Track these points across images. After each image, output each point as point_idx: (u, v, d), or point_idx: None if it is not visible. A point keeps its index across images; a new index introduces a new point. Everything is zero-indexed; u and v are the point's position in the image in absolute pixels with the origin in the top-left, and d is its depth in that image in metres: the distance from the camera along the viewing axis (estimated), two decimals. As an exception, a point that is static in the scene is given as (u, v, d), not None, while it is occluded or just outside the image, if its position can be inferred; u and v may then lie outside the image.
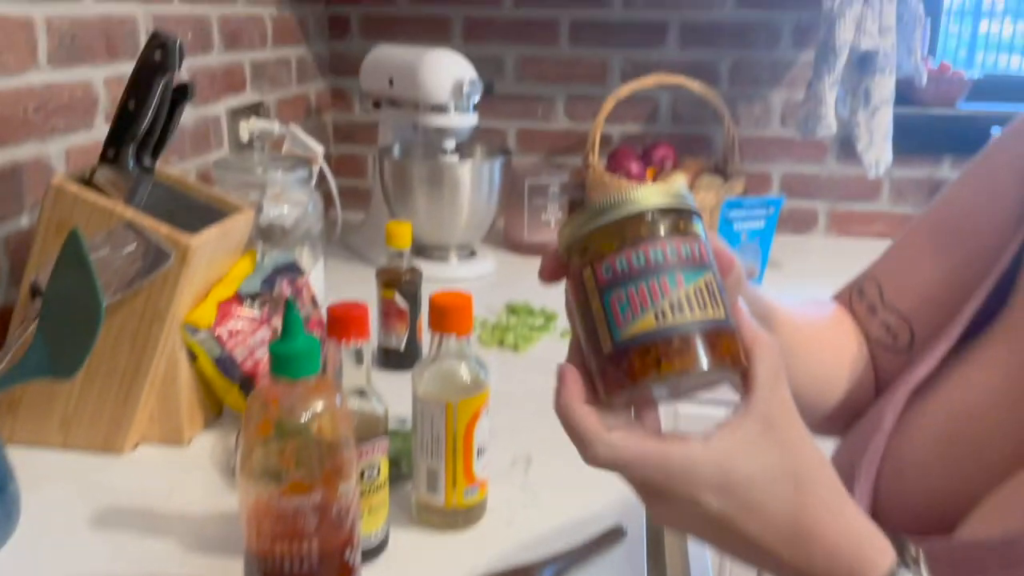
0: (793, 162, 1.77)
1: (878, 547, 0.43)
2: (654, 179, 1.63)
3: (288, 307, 0.58)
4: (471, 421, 0.74)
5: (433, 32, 1.80)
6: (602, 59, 1.77)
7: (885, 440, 0.57)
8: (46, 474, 0.84)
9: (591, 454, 0.43)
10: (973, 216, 0.64)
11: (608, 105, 1.62)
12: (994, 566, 0.44)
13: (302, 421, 0.60)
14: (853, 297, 0.70)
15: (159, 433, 0.90)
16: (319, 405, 0.60)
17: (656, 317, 0.42)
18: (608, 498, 0.81)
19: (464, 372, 0.74)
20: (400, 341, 1.09)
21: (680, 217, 0.45)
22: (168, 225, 0.82)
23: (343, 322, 0.68)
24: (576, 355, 0.46)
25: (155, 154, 0.86)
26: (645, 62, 1.75)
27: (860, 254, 1.67)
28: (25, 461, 0.81)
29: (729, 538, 0.44)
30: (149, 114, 0.80)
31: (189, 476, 0.85)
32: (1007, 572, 0.44)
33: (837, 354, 0.67)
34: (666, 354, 0.42)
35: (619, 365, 0.43)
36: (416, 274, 1.09)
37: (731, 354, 0.43)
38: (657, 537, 0.90)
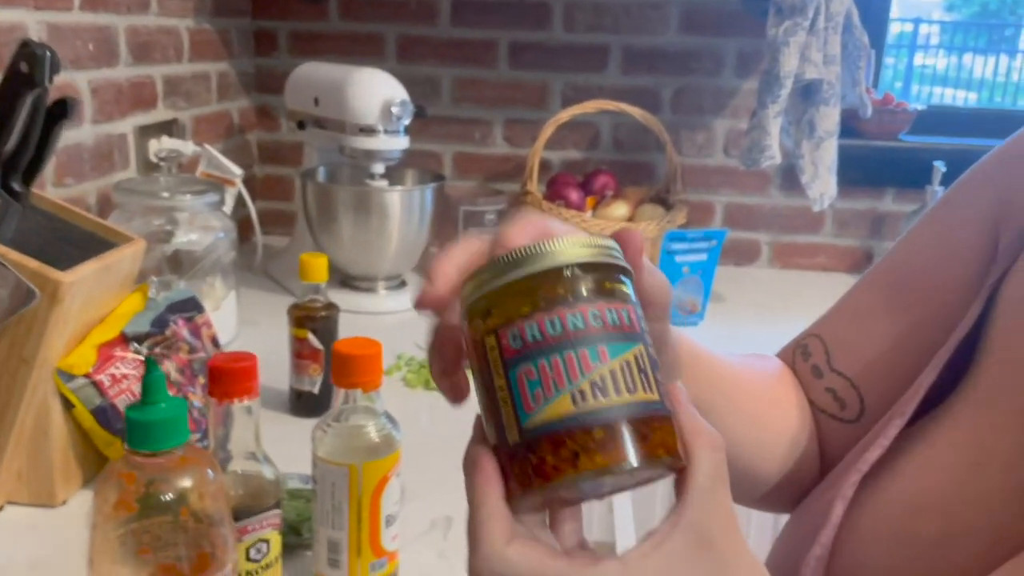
0: (736, 192, 1.72)
1: None
2: (594, 208, 1.57)
3: (148, 365, 0.49)
4: (378, 487, 0.65)
5: (366, 50, 1.71)
6: (542, 82, 1.71)
7: (833, 536, 0.50)
8: None
9: (475, 565, 0.35)
10: (930, 272, 0.57)
11: (547, 130, 1.55)
12: None
13: (166, 499, 0.51)
14: (796, 356, 0.62)
15: (27, 493, 0.79)
16: (187, 480, 0.51)
17: (573, 399, 0.34)
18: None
19: (372, 431, 0.66)
20: (314, 384, 1.00)
21: (606, 275, 0.37)
22: (38, 259, 0.72)
23: (225, 376, 0.58)
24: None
25: (28, 178, 0.76)
26: (586, 86, 1.69)
27: (803, 286, 1.66)
28: None
29: None
30: (15, 134, 0.70)
31: (60, 543, 0.75)
32: None
33: (781, 416, 0.59)
34: (585, 447, 0.34)
35: (527, 460, 0.35)
36: (333, 310, 1.00)
37: (666, 446, 0.35)
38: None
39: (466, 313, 0.38)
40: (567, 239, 0.37)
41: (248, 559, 0.60)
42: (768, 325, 1.43)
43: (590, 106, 1.56)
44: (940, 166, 1.56)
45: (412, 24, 1.70)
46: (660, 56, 1.67)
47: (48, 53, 0.69)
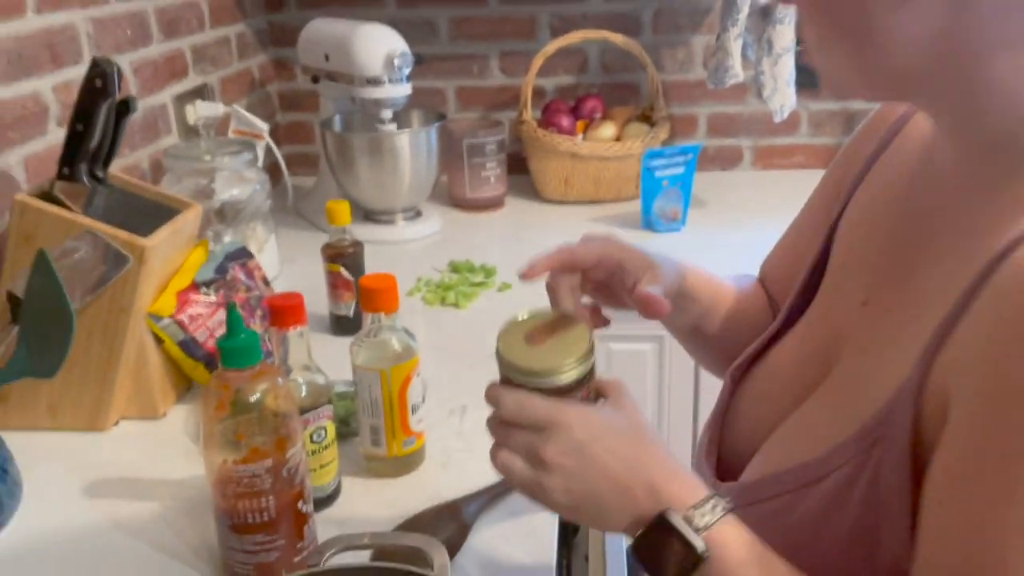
0: (717, 103, 1.87)
1: (688, 485, 0.56)
2: (584, 131, 1.73)
3: (230, 309, 0.70)
4: (403, 384, 0.87)
5: (367, -1, 1.86)
6: (531, 15, 1.85)
7: (724, 405, 0.71)
8: (40, 454, 0.96)
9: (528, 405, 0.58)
10: (816, 195, 0.78)
11: (536, 63, 1.70)
12: (749, 502, 0.58)
13: (251, 400, 0.72)
14: (760, 274, 0.86)
15: (136, 409, 1.02)
16: (264, 386, 0.72)
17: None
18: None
19: (395, 343, 0.86)
20: (348, 309, 1.20)
21: (587, 376, 0.59)
22: (124, 229, 0.92)
23: (281, 312, 0.79)
24: None
25: (106, 164, 0.96)
26: (572, 15, 1.83)
27: (781, 185, 1.81)
28: (20, 444, 0.92)
29: (586, 466, 0.56)
30: (96, 133, 0.89)
31: (166, 445, 0.97)
32: (757, 507, 0.58)
33: (743, 317, 0.81)
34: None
35: None
36: (359, 247, 1.20)
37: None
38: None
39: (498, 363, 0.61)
40: (566, 362, 0.58)
41: (312, 441, 0.82)
42: (743, 228, 1.60)
43: (575, 36, 1.71)
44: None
45: (407, -29, 1.83)
46: (638, -18, 1.79)
47: (116, 68, 0.87)
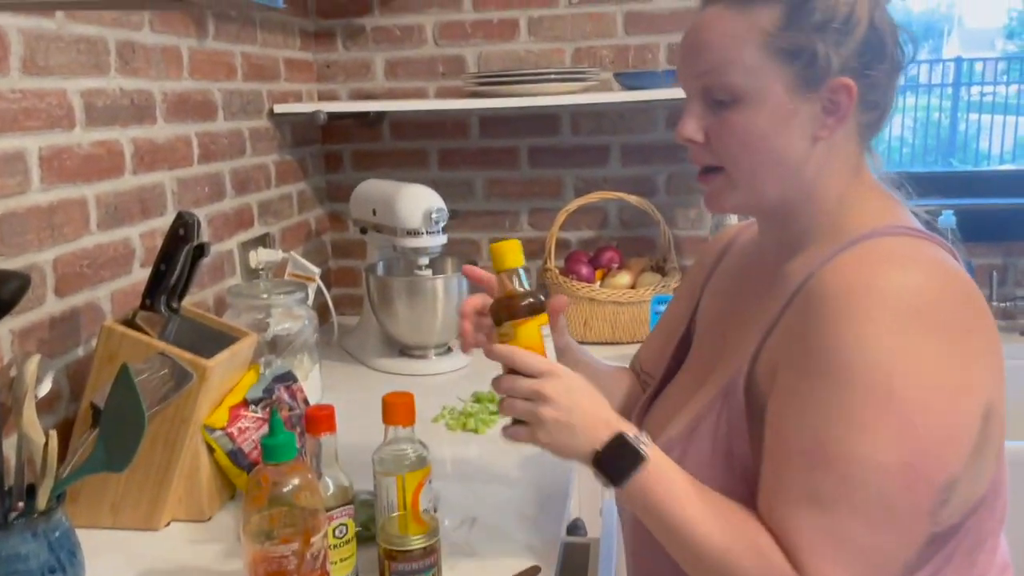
0: (727, 256, 2.04)
1: (631, 426, 0.87)
2: (602, 279, 1.91)
3: (272, 413, 0.85)
4: (416, 489, 0.99)
5: (413, 162, 2.11)
6: (557, 177, 2.07)
7: (639, 421, 1.06)
8: (101, 548, 1.09)
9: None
10: (680, 293, 1.15)
11: (560, 218, 1.91)
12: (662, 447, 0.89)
13: (285, 491, 0.86)
14: (632, 364, 1.23)
15: (186, 512, 1.16)
16: (296, 480, 0.86)
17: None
18: (531, 550, 1.06)
19: (410, 453, 1.00)
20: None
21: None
22: (191, 352, 1.10)
23: (315, 420, 0.94)
24: None
25: (180, 298, 1.14)
26: (593, 178, 2.05)
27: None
28: (85, 539, 1.06)
29: (572, 403, 0.86)
30: (175, 272, 1.08)
31: (211, 544, 1.10)
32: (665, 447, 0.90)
33: (618, 388, 1.18)
34: None
35: None
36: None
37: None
38: (568, 573, 1.14)
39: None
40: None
41: (334, 536, 0.95)
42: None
43: (594, 196, 1.92)
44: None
45: (449, 139, 2.09)
46: (652, 149, 2.01)
47: (196, 220, 1.07)
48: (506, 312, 0.92)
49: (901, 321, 0.75)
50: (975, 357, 0.78)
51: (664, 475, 0.84)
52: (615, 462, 0.84)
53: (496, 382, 0.90)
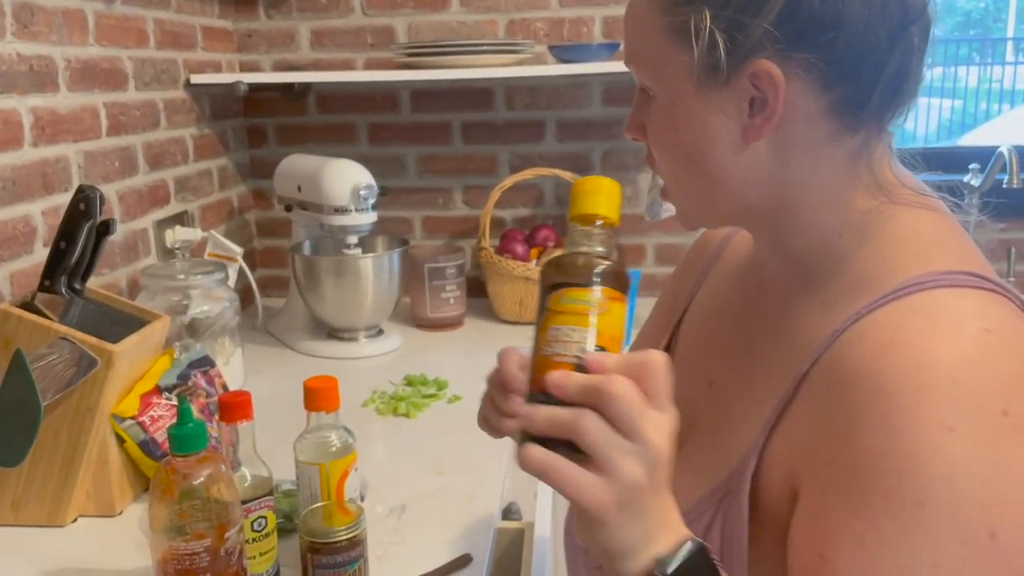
0: (663, 234, 2.02)
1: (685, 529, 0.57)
2: (537, 257, 1.87)
3: (180, 400, 0.79)
4: (341, 478, 0.94)
5: (342, 137, 2.03)
6: (492, 154, 2.02)
7: None
8: (1, 546, 1.01)
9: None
10: (663, 300, 0.94)
11: (494, 196, 1.86)
12: None
13: (195, 484, 0.80)
14: None
15: (95, 506, 1.08)
16: (208, 471, 0.80)
17: None
18: (463, 536, 1.02)
19: (334, 440, 0.95)
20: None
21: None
22: (96, 336, 1.02)
23: (230, 407, 0.88)
24: None
25: (84, 279, 1.06)
26: (529, 155, 2.00)
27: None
28: (-19, 538, 0.99)
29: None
30: (77, 250, 1.00)
31: (120, 541, 1.03)
32: None
33: None
34: None
35: None
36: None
37: None
38: (500, 563, 1.10)
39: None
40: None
41: (252, 529, 0.89)
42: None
43: (529, 173, 1.87)
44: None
45: (379, 113, 2.02)
46: (588, 125, 1.98)
47: (98, 194, 0.99)
48: (583, 276, 0.57)
49: (991, 428, 0.53)
50: None
51: None
52: None
53: (559, 377, 0.55)
